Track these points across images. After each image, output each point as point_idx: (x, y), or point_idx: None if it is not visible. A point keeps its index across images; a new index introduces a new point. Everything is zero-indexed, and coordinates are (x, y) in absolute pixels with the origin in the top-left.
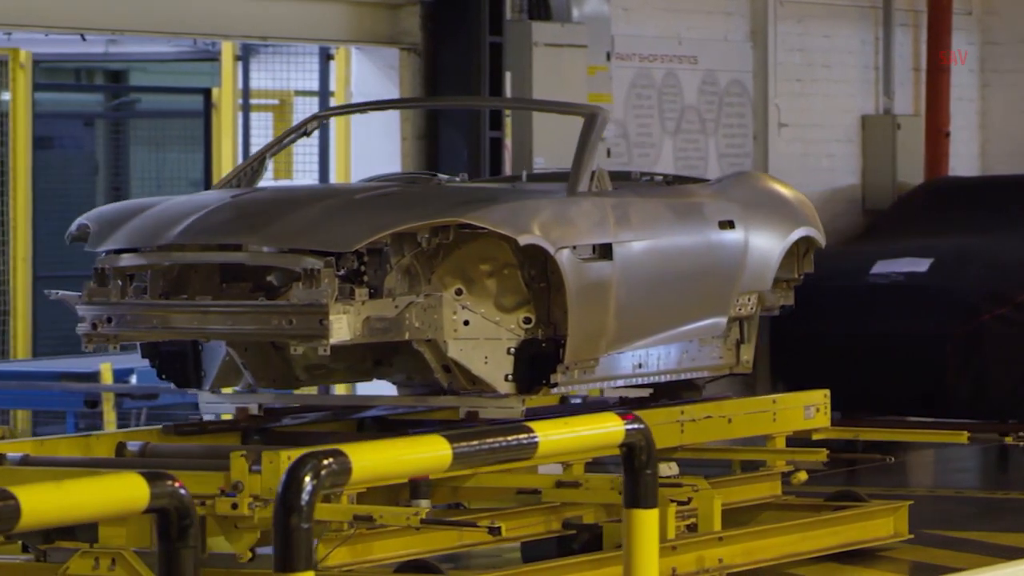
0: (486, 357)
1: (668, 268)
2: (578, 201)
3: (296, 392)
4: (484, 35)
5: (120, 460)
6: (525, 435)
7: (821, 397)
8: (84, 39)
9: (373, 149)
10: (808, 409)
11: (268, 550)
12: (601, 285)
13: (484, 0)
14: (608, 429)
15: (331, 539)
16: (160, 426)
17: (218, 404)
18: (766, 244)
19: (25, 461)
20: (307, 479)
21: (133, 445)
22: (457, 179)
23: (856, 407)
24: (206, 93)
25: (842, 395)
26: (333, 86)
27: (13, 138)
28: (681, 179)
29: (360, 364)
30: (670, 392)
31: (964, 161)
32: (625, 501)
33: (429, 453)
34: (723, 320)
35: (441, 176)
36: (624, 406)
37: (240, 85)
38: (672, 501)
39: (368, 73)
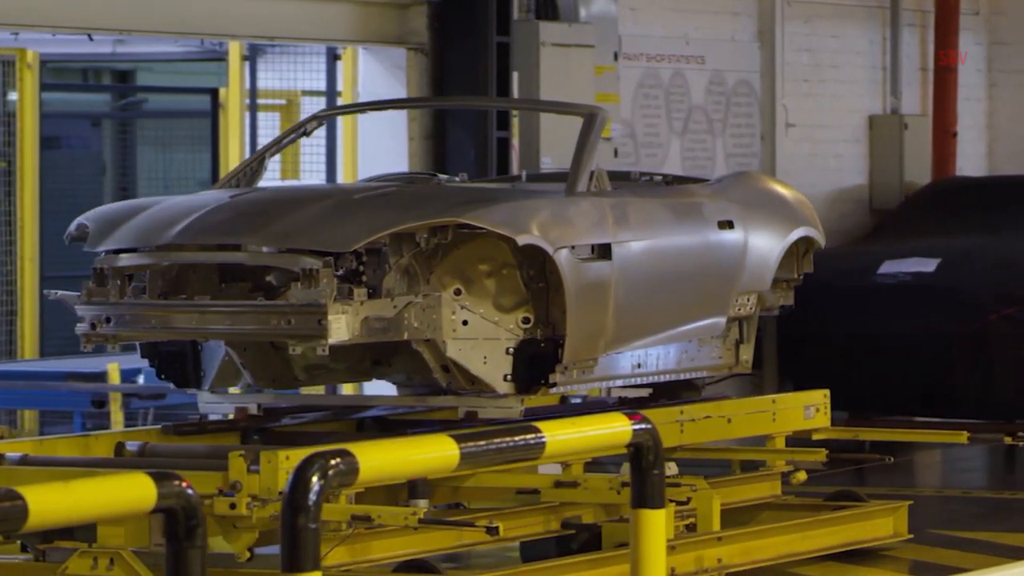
0: (485, 357)
1: (667, 268)
2: (577, 201)
3: (295, 392)
4: (491, 35)
5: (119, 460)
6: (532, 435)
7: (821, 397)
8: (91, 39)
9: (380, 149)
10: (808, 409)
11: (266, 550)
12: (600, 285)
13: (491, 0)
14: (615, 429)
15: (329, 539)
16: (159, 426)
17: (217, 404)
18: (765, 244)
19: (24, 461)
20: (314, 479)
21: (132, 445)
22: (456, 179)
23: (863, 407)
24: (213, 93)
25: (849, 395)
26: (340, 86)
27: (20, 138)
28: (680, 179)
29: (359, 364)
30: (669, 392)
31: (971, 161)
32: (632, 501)
33: (436, 453)
34: (722, 320)
35: (440, 176)
36: (623, 406)
37: (247, 85)
38: (671, 501)
39: (375, 73)
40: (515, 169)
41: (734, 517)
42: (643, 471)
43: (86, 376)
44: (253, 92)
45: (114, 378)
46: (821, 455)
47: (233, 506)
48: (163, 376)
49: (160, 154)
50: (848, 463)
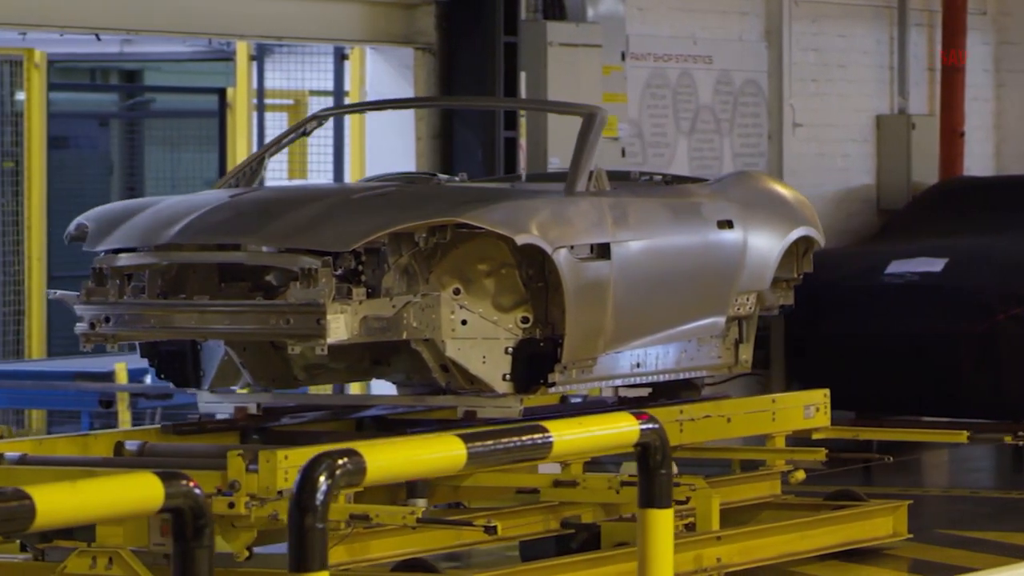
0: (484, 356)
1: (666, 268)
2: (576, 201)
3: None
4: (499, 35)
5: (118, 460)
6: (540, 435)
7: (821, 397)
8: (99, 39)
9: (388, 149)
10: (808, 409)
11: (265, 549)
12: (599, 285)
13: (499, 0)
14: (623, 429)
15: (328, 538)
16: (158, 425)
17: (216, 404)
18: (765, 244)
19: (23, 460)
20: (322, 479)
21: (131, 444)
22: (456, 179)
23: (870, 407)
24: (221, 93)
25: (856, 395)
26: (348, 86)
27: (28, 138)
28: (680, 179)
29: (359, 364)
30: (669, 392)
31: (979, 161)
32: (640, 501)
33: (443, 453)
34: (721, 320)
35: (440, 176)
36: (622, 405)
37: (255, 85)
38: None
39: (383, 73)
40: (522, 169)
41: (734, 517)
42: (650, 471)
43: (93, 376)
44: (261, 92)
45: (121, 378)
46: (820, 455)
47: (232, 505)
48: (163, 376)
49: (168, 154)
50: (848, 463)
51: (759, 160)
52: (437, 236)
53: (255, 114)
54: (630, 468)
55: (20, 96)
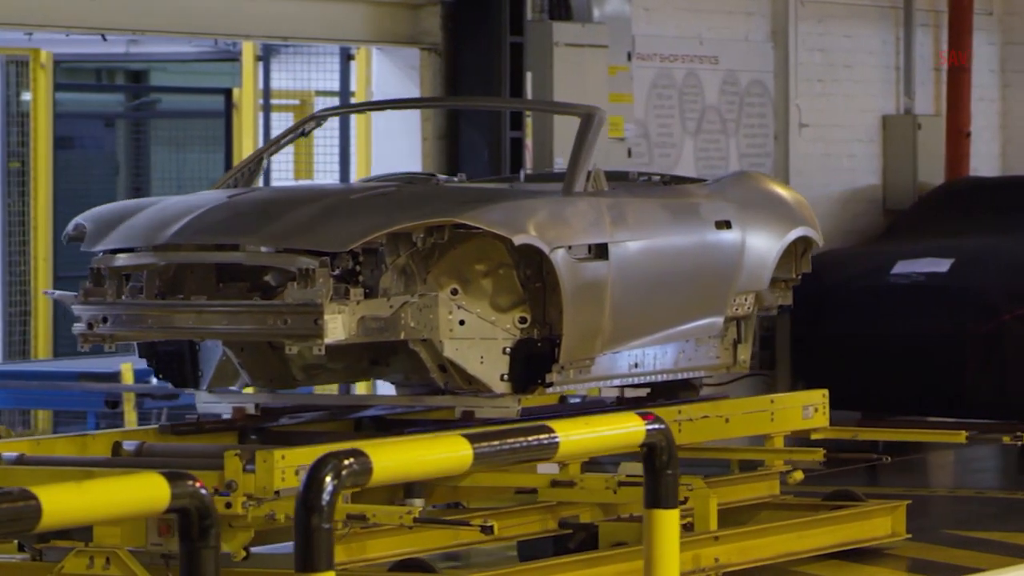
0: (482, 357)
1: (664, 268)
2: (574, 201)
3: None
4: (505, 35)
5: (116, 460)
6: (546, 435)
7: (820, 397)
8: (105, 39)
9: (394, 149)
10: (807, 409)
11: (262, 549)
12: (596, 285)
13: (505, 0)
14: (629, 429)
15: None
16: (156, 425)
17: (215, 404)
18: (763, 244)
19: (21, 460)
20: (328, 479)
21: (129, 444)
22: (455, 179)
23: (876, 407)
24: (227, 93)
25: (862, 395)
26: (354, 86)
27: (34, 138)
28: (678, 179)
29: (357, 364)
30: (668, 392)
31: (985, 161)
32: (646, 501)
33: (450, 453)
34: (720, 320)
35: (439, 176)
36: (621, 405)
37: (261, 85)
38: None
39: (388, 73)
40: (529, 169)
41: (732, 517)
42: (656, 471)
43: (99, 376)
44: (267, 92)
45: (127, 378)
46: (818, 455)
47: (229, 505)
48: (161, 376)
49: (173, 154)
50: (848, 463)
51: (765, 160)
52: (435, 236)
53: (261, 114)
54: (628, 468)
55: (26, 96)
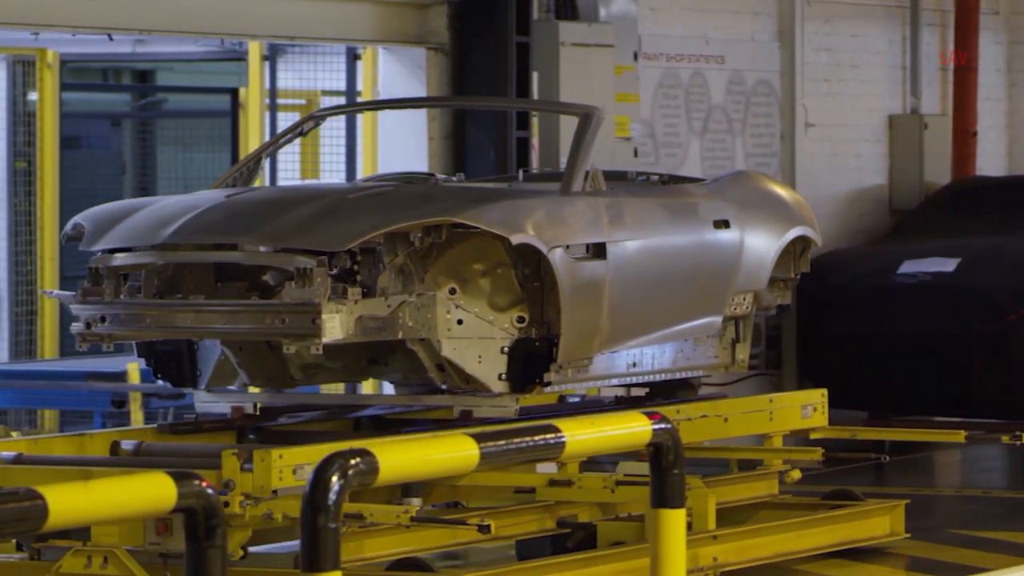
0: (480, 356)
1: (662, 267)
2: (572, 201)
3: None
4: (511, 35)
5: (114, 459)
6: (552, 435)
7: (818, 396)
8: (111, 39)
9: (400, 149)
10: (805, 408)
11: (260, 549)
12: (594, 284)
13: (511, 0)
14: (635, 429)
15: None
16: (155, 425)
17: (213, 403)
18: (761, 243)
19: (18, 460)
20: (334, 478)
21: (127, 444)
22: (454, 179)
23: (882, 407)
24: (233, 93)
25: (868, 395)
26: (360, 86)
27: (41, 138)
28: (676, 179)
29: (355, 363)
30: (666, 391)
31: (991, 161)
32: (652, 501)
33: (456, 453)
34: (718, 319)
35: (438, 176)
36: (618, 405)
37: (267, 85)
38: None
39: (395, 73)
40: (535, 168)
41: (731, 516)
42: (663, 471)
43: (106, 376)
44: (273, 92)
45: (134, 378)
46: (816, 454)
47: (227, 504)
48: (160, 375)
49: (180, 154)
50: (847, 462)
51: (771, 160)
52: (432, 236)
53: (267, 114)
54: (626, 467)
55: (33, 96)
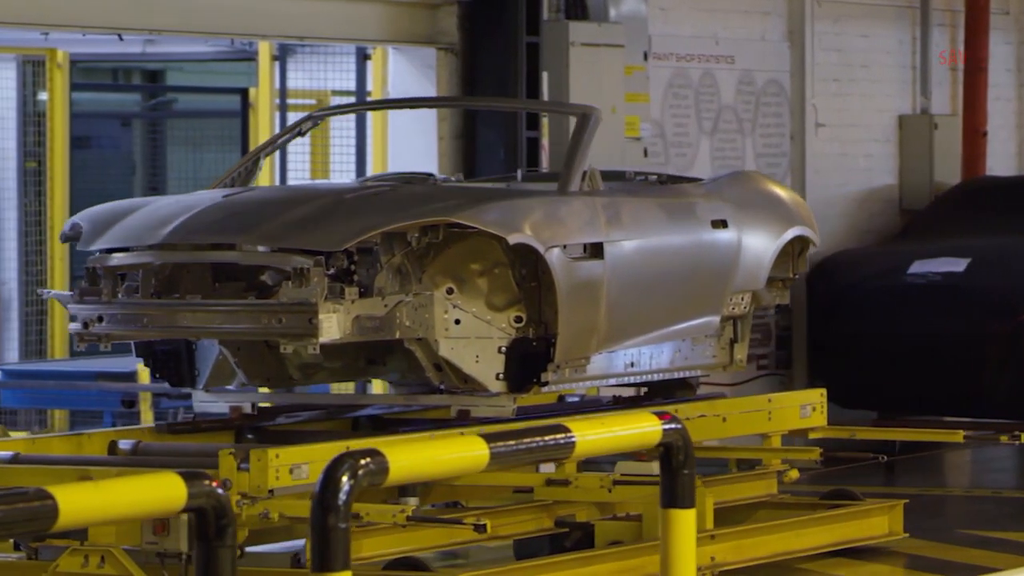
0: (477, 356)
1: (660, 267)
2: (569, 200)
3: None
4: (521, 35)
5: (112, 459)
6: (562, 435)
7: (817, 396)
8: (121, 39)
9: (410, 149)
10: (804, 408)
11: (258, 548)
12: (592, 284)
13: (521, 0)
14: (645, 429)
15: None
16: (152, 425)
17: (212, 403)
18: (759, 243)
19: (16, 459)
20: (344, 479)
21: (125, 443)
22: (452, 179)
23: (892, 407)
24: (243, 93)
25: (878, 395)
26: (370, 86)
27: (51, 138)
28: (674, 179)
29: (353, 363)
30: (664, 391)
31: (1001, 161)
32: (662, 501)
33: (466, 453)
34: (716, 319)
35: (437, 175)
36: (617, 404)
37: (277, 85)
38: None
39: (405, 73)
40: (545, 168)
41: (730, 516)
42: (673, 471)
43: (116, 376)
44: (283, 92)
45: (144, 378)
46: (815, 453)
47: None
48: (158, 375)
49: (190, 154)
50: (847, 462)
51: (781, 160)
52: (430, 236)
53: (277, 114)
54: (624, 467)
55: (43, 96)
